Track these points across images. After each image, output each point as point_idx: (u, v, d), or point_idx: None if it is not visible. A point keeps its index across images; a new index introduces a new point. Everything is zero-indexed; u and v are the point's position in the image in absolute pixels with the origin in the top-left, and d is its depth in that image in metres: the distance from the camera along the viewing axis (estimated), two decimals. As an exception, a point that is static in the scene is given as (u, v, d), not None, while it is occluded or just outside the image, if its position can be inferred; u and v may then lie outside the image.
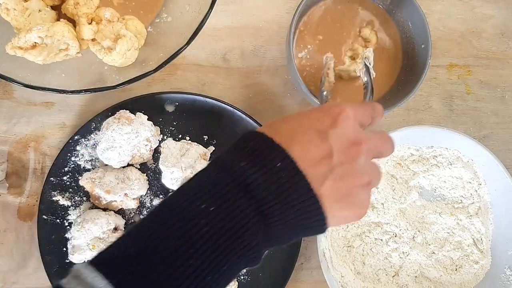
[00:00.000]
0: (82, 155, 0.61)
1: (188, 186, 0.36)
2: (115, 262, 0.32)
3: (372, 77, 0.55)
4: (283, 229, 0.35)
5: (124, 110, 0.60)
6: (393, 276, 0.61)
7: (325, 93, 0.54)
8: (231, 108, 0.62)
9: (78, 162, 0.60)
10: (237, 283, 0.60)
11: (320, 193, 0.34)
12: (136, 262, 0.32)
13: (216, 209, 0.33)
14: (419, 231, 0.62)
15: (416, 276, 0.62)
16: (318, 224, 0.35)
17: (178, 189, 0.36)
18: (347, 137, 0.37)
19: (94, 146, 0.60)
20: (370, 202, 0.39)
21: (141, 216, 0.61)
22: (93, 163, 0.61)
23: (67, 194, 0.60)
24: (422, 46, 0.59)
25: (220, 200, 0.33)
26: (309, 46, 0.61)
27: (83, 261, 0.58)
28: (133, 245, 0.33)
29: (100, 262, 0.33)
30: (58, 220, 0.59)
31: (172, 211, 0.34)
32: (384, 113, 0.58)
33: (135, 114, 0.59)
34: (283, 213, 0.34)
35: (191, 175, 0.60)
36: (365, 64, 0.56)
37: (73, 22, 0.58)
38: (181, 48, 0.56)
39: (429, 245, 0.62)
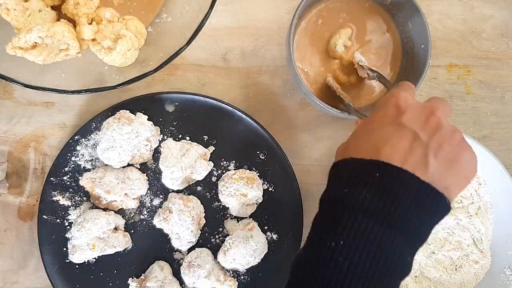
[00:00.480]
0: (82, 155, 0.61)
1: (316, 231, 0.38)
2: None
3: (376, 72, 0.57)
4: (415, 229, 0.36)
5: (124, 110, 0.60)
6: (393, 276, 0.61)
7: (351, 103, 0.57)
8: (231, 108, 0.62)
9: (78, 162, 0.60)
10: (237, 283, 0.60)
11: (430, 174, 0.35)
12: None
13: (346, 242, 0.34)
14: (419, 231, 0.62)
15: (416, 276, 0.62)
16: (443, 205, 0.36)
17: (309, 238, 0.38)
18: (419, 114, 0.38)
19: (94, 146, 0.60)
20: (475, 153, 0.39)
21: (141, 216, 0.61)
22: (93, 163, 0.61)
23: (67, 194, 0.60)
24: (422, 46, 0.59)
25: (346, 233, 0.34)
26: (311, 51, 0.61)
27: (83, 261, 0.59)
28: None
29: None
30: (58, 220, 0.59)
31: (310, 263, 0.35)
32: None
33: (135, 114, 0.59)
34: (409, 214, 0.35)
35: (191, 175, 0.61)
36: (362, 66, 0.59)
37: (73, 22, 0.58)
38: (181, 48, 0.56)
39: (429, 245, 0.62)
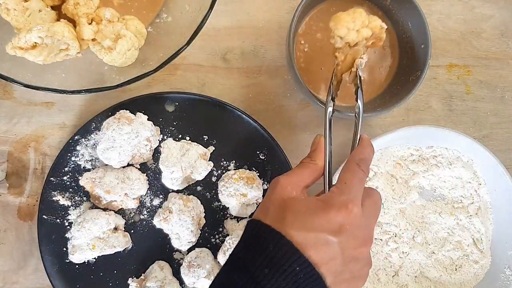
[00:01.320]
0: (82, 155, 0.61)
1: None
2: None
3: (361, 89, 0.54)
4: None
5: (124, 110, 0.60)
6: (393, 276, 0.61)
7: (330, 109, 0.53)
8: (231, 108, 0.62)
9: (78, 162, 0.60)
10: (237, 283, 0.60)
11: (332, 284, 0.39)
12: None
13: None
14: (419, 231, 0.62)
15: (416, 276, 0.62)
16: None
17: None
18: (355, 238, 0.41)
19: (94, 146, 0.60)
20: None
21: (141, 216, 0.61)
22: (93, 163, 0.61)
23: (67, 194, 0.60)
24: (422, 46, 0.59)
25: None
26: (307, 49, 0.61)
27: (83, 261, 0.59)
28: None
29: None
30: (58, 220, 0.59)
31: None
32: (384, 113, 0.58)
33: (135, 114, 0.59)
34: None
35: (191, 175, 0.61)
36: (359, 76, 0.54)
37: (73, 22, 0.58)
38: (181, 48, 0.56)
39: (429, 245, 0.62)
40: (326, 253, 0.39)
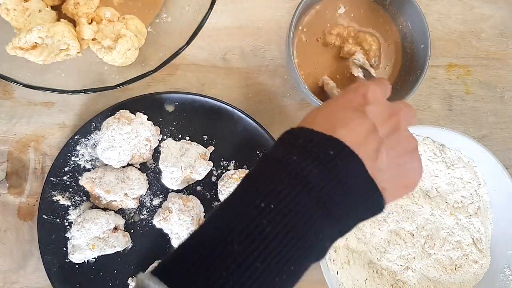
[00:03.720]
0: (82, 155, 0.61)
1: (243, 186, 0.35)
2: (179, 272, 0.32)
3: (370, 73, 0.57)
4: (345, 217, 0.34)
5: (124, 110, 0.60)
6: (392, 274, 0.61)
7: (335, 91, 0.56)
8: (231, 108, 0.62)
9: (78, 162, 0.61)
10: (237, 282, 0.60)
11: (375, 170, 0.34)
12: (199, 270, 0.31)
13: (276, 206, 0.32)
14: (418, 230, 0.62)
15: (415, 276, 0.62)
16: (377, 203, 0.35)
17: (234, 191, 0.35)
18: (383, 109, 0.38)
19: (94, 146, 0.60)
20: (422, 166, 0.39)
21: (141, 216, 0.61)
22: (93, 163, 0.61)
23: (67, 194, 0.60)
24: (422, 46, 0.59)
25: (279, 196, 0.32)
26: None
27: (83, 261, 0.59)
28: (195, 253, 0.32)
29: (163, 272, 0.32)
30: (58, 220, 0.59)
31: (232, 213, 0.33)
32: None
33: (135, 114, 0.59)
34: (344, 201, 0.33)
35: (191, 175, 0.61)
36: (356, 63, 0.58)
37: (73, 22, 0.58)
38: (181, 48, 0.56)
39: (429, 244, 0.62)
40: (358, 130, 0.35)
